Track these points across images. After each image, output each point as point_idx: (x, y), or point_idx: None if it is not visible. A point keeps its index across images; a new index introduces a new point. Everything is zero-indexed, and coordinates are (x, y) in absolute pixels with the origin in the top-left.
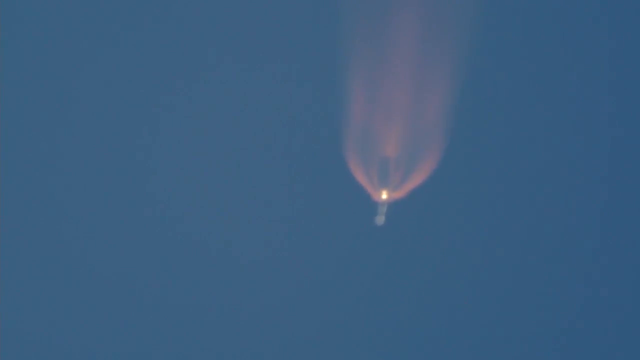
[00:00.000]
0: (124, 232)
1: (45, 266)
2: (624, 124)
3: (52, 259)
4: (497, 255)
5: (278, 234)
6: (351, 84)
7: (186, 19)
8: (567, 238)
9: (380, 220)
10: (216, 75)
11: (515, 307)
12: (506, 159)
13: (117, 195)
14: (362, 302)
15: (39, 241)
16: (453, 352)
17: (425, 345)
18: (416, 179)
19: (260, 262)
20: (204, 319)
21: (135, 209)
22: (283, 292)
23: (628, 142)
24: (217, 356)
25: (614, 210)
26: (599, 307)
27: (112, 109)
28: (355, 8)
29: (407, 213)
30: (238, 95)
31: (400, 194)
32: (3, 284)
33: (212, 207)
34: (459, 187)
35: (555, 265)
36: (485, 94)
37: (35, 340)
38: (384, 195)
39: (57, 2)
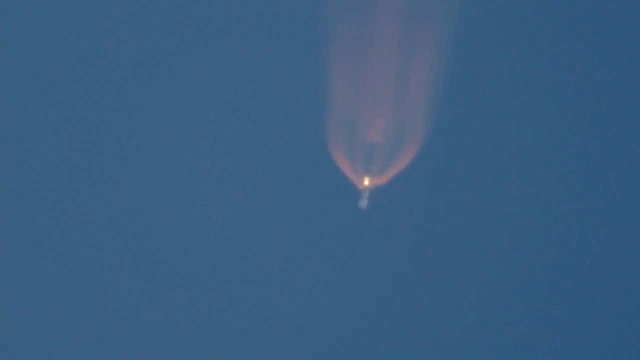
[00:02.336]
0: (113, 236)
1: (45, 266)
2: (608, 115)
3: (52, 259)
4: (478, 241)
5: (260, 220)
6: (334, 72)
7: (167, 11)
8: (547, 226)
9: (362, 203)
10: (200, 64)
11: (497, 291)
12: (488, 146)
13: (109, 196)
14: (343, 288)
15: (39, 241)
16: (435, 336)
17: (408, 330)
18: (398, 166)
19: (241, 247)
20: (188, 309)
21: (121, 207)
22: (266, 279)
23: (613, 132)
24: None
25: (601, 196)
26: (584, 292)
27: (101, 107)
28: None
29: (389, 199)
30: (220, 84)
31: (382, 180)
32: (3, 284)
33: (190, 196)
34: (441, 173)
35: (537, 251)
36: (468, 82)
37: (35, 341)
38: (366, 182)
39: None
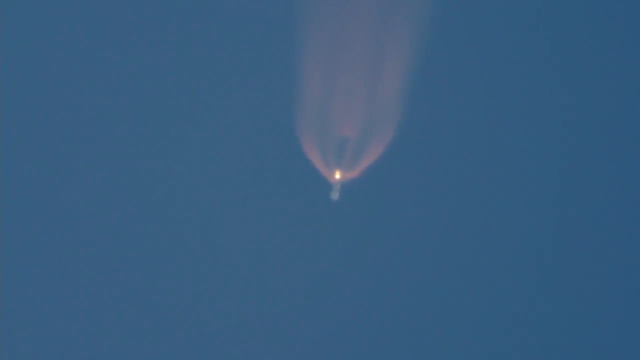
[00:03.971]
0: (112, 234)
1: (46, 267)
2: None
3: (53, 259)
4: (450, 234)
5: (230, 213)
6: (306, 65)
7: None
8: (520, 218)
9: (334, 195)
10: (169, 58)
11: (472, 284)
12: (459, 141)
13: (103, 196)
14: (312, 281)
15: (39, 241)
16: (407, 330)
17: (379, 324)
18: (369, 159)
19: (211, 242)
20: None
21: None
22: (235, 273)
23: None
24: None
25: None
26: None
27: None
28: None
29: (360, 192)
30: (189, 77)
31: (353, 173)
32: (3, 284)
33: (160, 192)
34: (412, 167)
35: (508, 243)
36: (440, 77)
37: (35, 341)
38: (337, 175)
39: (58, 4)
